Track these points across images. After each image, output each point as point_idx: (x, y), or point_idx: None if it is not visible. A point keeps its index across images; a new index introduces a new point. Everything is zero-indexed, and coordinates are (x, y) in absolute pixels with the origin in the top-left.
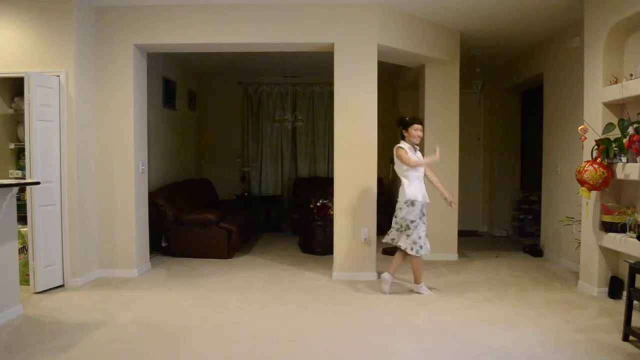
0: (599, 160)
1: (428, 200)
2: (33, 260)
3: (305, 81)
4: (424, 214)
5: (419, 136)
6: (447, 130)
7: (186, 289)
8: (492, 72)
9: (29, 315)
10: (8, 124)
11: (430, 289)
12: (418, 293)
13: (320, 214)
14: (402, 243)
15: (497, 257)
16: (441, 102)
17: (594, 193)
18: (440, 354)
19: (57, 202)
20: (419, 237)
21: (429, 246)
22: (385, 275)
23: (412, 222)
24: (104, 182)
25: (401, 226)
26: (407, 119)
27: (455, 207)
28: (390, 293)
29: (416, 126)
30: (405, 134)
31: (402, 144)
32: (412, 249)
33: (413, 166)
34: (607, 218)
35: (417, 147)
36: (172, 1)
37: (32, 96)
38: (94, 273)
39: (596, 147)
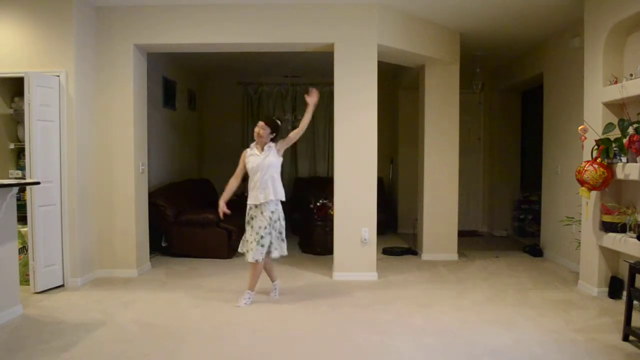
0: (599, 160)
1: (256, 203)
2: (33, 260)
3: (305, 81)
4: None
5: (256, 133)
6: (447, 130)
7: (186, 289)
8: (492, 72)
9: (29, 315)
10: (8, 124)
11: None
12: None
13: (320, 214)
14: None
15: (497, 257)
16: (441, 102)
17: (594, 193)
18: (440, 354)
19: (57, 202)
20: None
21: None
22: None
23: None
24: (104, 182)
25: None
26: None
27: None
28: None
29: (257, 127)
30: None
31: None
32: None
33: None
34: (607, 218)
35: (270, 146)
36: (173, 1)
37: (32, 96)
38: (94, 273)
39: (596, 147)
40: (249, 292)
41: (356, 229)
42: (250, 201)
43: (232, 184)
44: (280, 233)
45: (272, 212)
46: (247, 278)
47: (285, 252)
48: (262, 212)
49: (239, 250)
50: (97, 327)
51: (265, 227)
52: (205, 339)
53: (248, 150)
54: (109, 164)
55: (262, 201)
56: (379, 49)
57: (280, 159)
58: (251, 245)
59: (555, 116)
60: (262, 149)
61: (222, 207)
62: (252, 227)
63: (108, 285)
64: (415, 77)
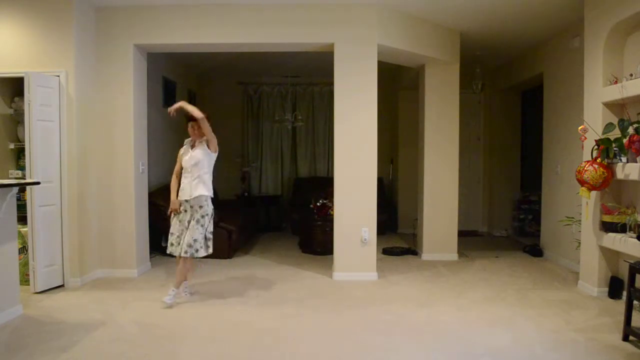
0: (599, 160)
1: (183, 198)
2: (33, 260)
3: (305, 81)
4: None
5: (192, 133)
6: (447, 130)
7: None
8: (492, 72)
9: (29, 315)
10: (8, 124)
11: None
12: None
13: (320, 214)
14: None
15: (497, 257)
16: (441, 102)
17: (594, 193)
18: (440, 354)
19: (57, 202)
20: (170, 233)
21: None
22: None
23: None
24: (104, 182)
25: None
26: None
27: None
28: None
29: (190, 123)
30: None
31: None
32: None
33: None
34: (607, 218)
35: (201, 142)
36: (173, 1)
37: (32, 96)
38: (94, 273)
39: (596, 147)
40: (176, 289)
41: (356, 229)
42: (183, 196)
43: (174, 183)
44: (206, 230)
45: (200, 207)
46: (177, 275)
47: (210, 251)
48: (191, 207)
49: (170, 252)
50: (97, 327)
51: (198, 221)
52: (205, 339)
53: (182, 148)
54: (109, 164)
55: (194, 196)
56: (379, 49)
57: (213, 155)
58: (200, 243)
59: (555, 116)
60: (194, 145)
61: (175, 207)
62: (180, 221)
63: (108, 285)
64: (415, 77)
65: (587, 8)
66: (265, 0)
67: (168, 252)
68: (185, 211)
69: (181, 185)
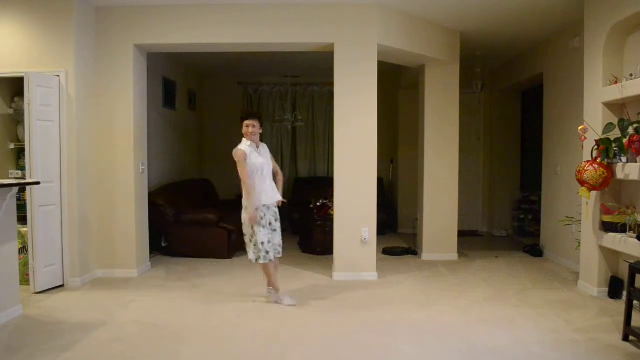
0: (599, 160)
1: (270, 202)
2: (33, 260)
3: (305, 81)
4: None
5: (250, 133)
6: (447, 130)
7: (186, 289)
8: (492, 72)
9: (29, 315)
10: (8, 124)
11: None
12: (277, 302)
13: (320, 214)
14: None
15: (497, 257)
16: (441, 102)
17: (594, 193)
18: (440, 354)
19: (57, 202)
20: (262, 243)
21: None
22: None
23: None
24: (104, 182)
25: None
26: (242, 114)
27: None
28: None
29: (246, 122)
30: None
31: (242, 144)
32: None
33: (244, 180)
34: (607, 218)
35: (262, 144)
36: (173, 1)
37: (32, 96)
38: (94, 273)
39: (596, 147)
40: (277, 295)
41: (356, 229)
42: (268, 201)
43: (252, 188)
44: None
45: (276, 209)
46: (266, 278)
47: None
48: (268, 210)
49: (269, 259)
50: (97, 327)
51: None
52: (205, 339)
53: (245, 148)
54: (109, 164)
55: (277, 199)
56: (379, 49)
57: None
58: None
59: (555, 116)
60: (258, 147)
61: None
62: (275, 229)
63: (108, 285)
64: (415, 77)
65: (587, 8)
66: (266, 0)
67: (266, 261)
68: (265, 216)
69: (261, 189)
